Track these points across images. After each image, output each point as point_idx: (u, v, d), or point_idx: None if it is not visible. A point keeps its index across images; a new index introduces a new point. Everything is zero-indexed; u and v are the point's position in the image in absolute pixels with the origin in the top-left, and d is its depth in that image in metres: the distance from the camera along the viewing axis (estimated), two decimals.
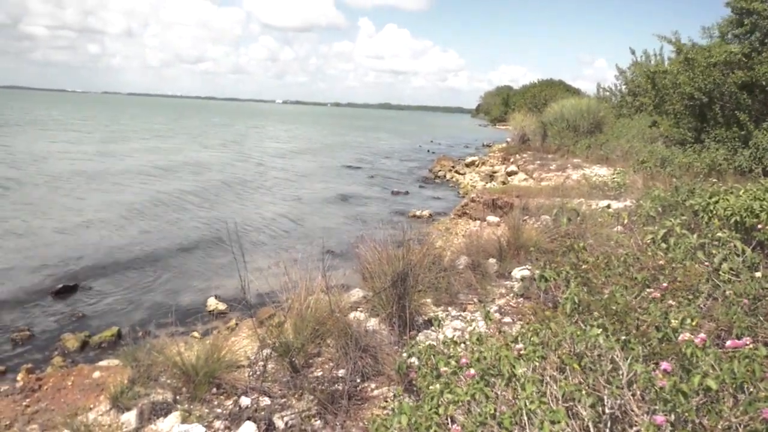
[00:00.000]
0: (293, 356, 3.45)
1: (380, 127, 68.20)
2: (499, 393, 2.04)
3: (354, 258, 5.08)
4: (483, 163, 22.43)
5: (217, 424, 2.99)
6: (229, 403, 3.23)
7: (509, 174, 17.92)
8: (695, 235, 3.72)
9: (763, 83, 10.78)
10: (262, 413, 2.98)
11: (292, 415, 2.98)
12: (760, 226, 3.97)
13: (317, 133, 48.94)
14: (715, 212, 4.37)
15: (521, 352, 2.20)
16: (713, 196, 4.60)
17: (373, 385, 3.29)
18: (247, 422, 2.90)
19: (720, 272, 3.19)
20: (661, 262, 3.47)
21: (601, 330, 2.18)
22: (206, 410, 3.16)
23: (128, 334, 5.58)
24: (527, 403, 1.86)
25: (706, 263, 3.36)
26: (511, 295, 4.67)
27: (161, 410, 3.13)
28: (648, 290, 2.84)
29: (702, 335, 1.93)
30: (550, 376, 2.07)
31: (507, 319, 4.11)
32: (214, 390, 3.34)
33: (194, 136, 34.90)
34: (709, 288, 3.08)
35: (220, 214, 11.83)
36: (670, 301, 2.67)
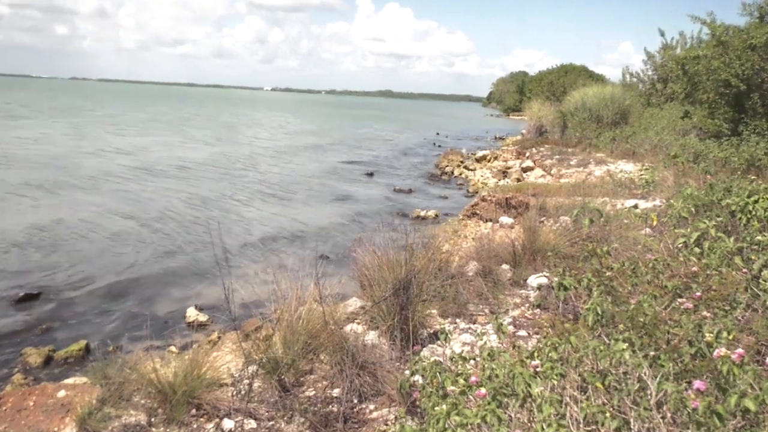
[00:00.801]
0: (282, 373, 3.44)
1: (381, 118, 68.28)
2: (513, 415, 2.03)
3: (351, 264, 5.07)
4: (495, 158, 22.46)
5: None
6: (210, 426, 3.22)
7: (524, 170, 17.94)
8: (732, 239, 3.72)
9: None
10: None
11: None
12: None
13: (310, 123, 49.00)
14: (754, 213, 4.36)
15: (538, 369, 2.20)
16: (752, 195, 4.59)
17: (371, 406, 3.29)
18: None
19: (760, 280, 3.19)
20: (694, 268, 3.47)
21: (627, 345, 2.18)
22: None
23: (98, 348, 5.58)
24: (544, 427, 1.86)
25: (745, 270, 3.35)
26: (527, 305, 4.67)
27: None
28: (679, 300, 2.83)
29: (740, 350, 1.92)
30: (570, 397, 2.07)
31: (522, 333, 4.11)
32: (194, 411, 3.33)
33: (174, 127, 34.95)
34: (747, 298, 3.07)
35: (202, 214, 11.85)
36: (704, 313, 2.67)
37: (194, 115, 49.96)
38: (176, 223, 11.04)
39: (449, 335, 3.29)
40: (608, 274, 3.42)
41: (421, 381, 2.58)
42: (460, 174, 20.07)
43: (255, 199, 13.95)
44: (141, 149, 22.29)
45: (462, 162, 22.41)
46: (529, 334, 4.09)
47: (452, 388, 2.22)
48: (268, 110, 75.66)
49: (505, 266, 5.54)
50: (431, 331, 4.14)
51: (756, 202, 4.45)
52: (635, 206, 5.91)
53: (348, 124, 51.26)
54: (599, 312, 2.72)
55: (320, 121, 54.43)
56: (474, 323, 4.42)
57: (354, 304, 4.69)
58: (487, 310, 4.65)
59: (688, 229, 4.12)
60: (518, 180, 16.38)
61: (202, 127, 36.08)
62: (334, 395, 3.34)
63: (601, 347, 2.21)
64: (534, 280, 5.02)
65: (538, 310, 4.45)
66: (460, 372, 2.40)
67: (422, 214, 12.72)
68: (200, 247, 9.48)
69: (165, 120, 40.75)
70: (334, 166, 21.41)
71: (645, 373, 2.03)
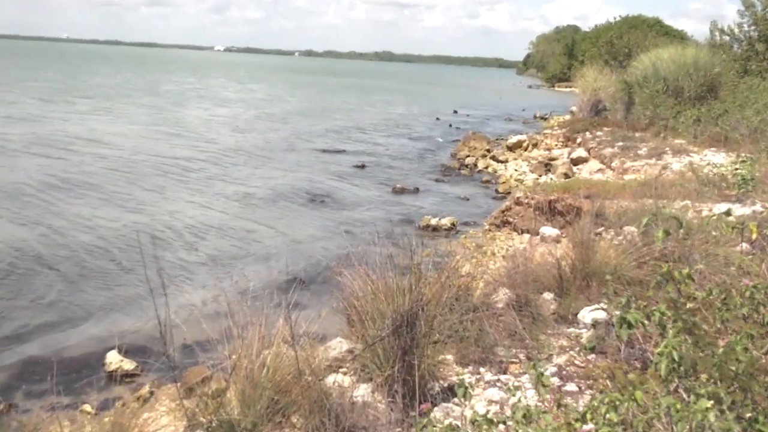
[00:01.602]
0: None
1: (376, 89, 68.56)
2: None
3: (334, 291, 5.09)
4: (534, 146, 22.58)
5: None
6: None
7: (575, 162, 18.04)
8: None
9: None
10: None
11: None
12: None
13: (280, 96, 49.20)
14: None
15: None
16: None
17: None
18: None
19: None
20: None
21: (712, 403, 2.20)
22: None
23: None
24: None
25: None
26: (577, 348, 4.68)
27: None
28: None
29: None
30: None
31: (570, 387, 4.12)
32: None
33: (94, 100, 35.05)
34: None
35: (129, 221, 11.87)
36: None
37: (118, 84, 50.12)
38: (93, 233, 11.05)
39: (470, 390, 3.31)
40: (689, 305, 3.44)
41: None
42: (486, 167, 20.16)
43: (204, 200, 14.00)
44: (44, 132, 22.32)
45: (488, 151, 22.49)
46: (579, 388, 4.10)
47: None
48: (223, 77, 75.90)
49: (547, 295, 5.55)
50: (445, 385, 4.15)
51: None
52: (727, 213, 5.94)
53: (331, 97, 51.47)
54: (676, 358, 2.74)
55: (293, 93, 54.62)
56: (504, 373, 4.43)
57: (339, 346, 4.70)
58: (522, 356, 4.65)
59: None
60: (566, 176, 16.46)
61: (130, 100, 36.18)
62: None
63: (678, 406, 2.23)
64: (587, 314, 5.04)
65: (593, 355, 4.46)
66: None
67: (433, 222, 12.76)
68: (126, 266, 9.48)
69: (78, 90, 40.89)
70: (313, 154, 21.51)
71: None
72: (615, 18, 59.80)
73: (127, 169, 16.59)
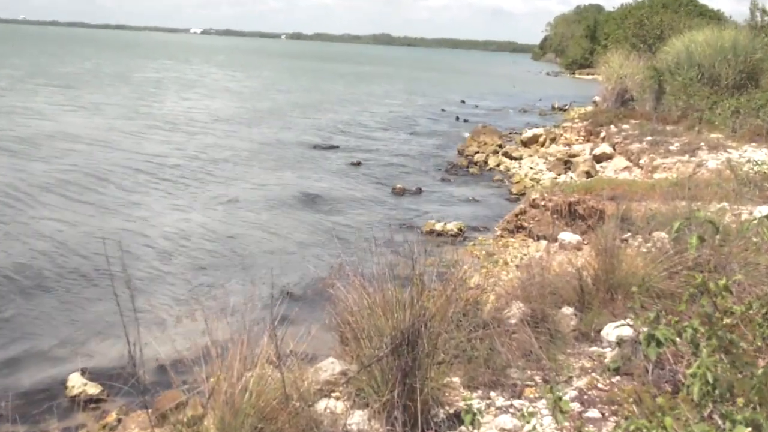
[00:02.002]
0: None
1: (373, 76, 68.69)
2: None
3: (326, 305, 5.09)
4: (553, 140, 22.61)
5: None
6: None
7: (598, 159, 18.06)
8: None
9: None
10: None
11: None
12: None
13: (265, 84, 49.26)
14: None
15: None
16: None
17: None
18: None
19: None
20: None
21: (750, 430, 2.20)
22: None
23: None
24: None
25: None
26: (600, 370, 4.69)
27: None
28: None
29: None
30: None
31: (592, 413, 4.13)
32: None
33: (61, 86, 35.07)
34: None
35: (96, 224, 11.89)
36: None
37: (86, 71, 50.15)
38: (54, 241, 11.06)
39: (479, 417, 3.32)
40: (726, 321, 3.45)
41: None
42: (498, 165, 20.20)
43: (181, 203, 14.01)
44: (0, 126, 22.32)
45: (500, 146, 22.52)
46: (602, 414, 4.10)
47: None
48: (202, 63, 75.96)
49: (566, 309, 5.56)
50: (451, 411, 4.15)
51: None
52: None
53: (323, 86, 51.54)
54: (710, 380, 2.75)
55: (280, 81, 54.68)
56: (518, 398, 4.43)
57: (331, 367, 4.70)
58: (538, 378, 4.66)
59: None
60: (588, 175, 16.49)
61: (100, 90, 36.20)
62: None
63: None
64: (612, 330, 5.05)
65: (618, 377, 4.47)
66: None
67: (438, 227, 12.78)
68: (92, 278, 9.48)
69: (41, 77, 40.90)
70: (302, 151, 21.54)
71: None
72: None
73: (95, 169, 16.61)
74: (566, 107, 38.25)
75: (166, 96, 35.96)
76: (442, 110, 36.67)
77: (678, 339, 3.27)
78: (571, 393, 4.37)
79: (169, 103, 32.40)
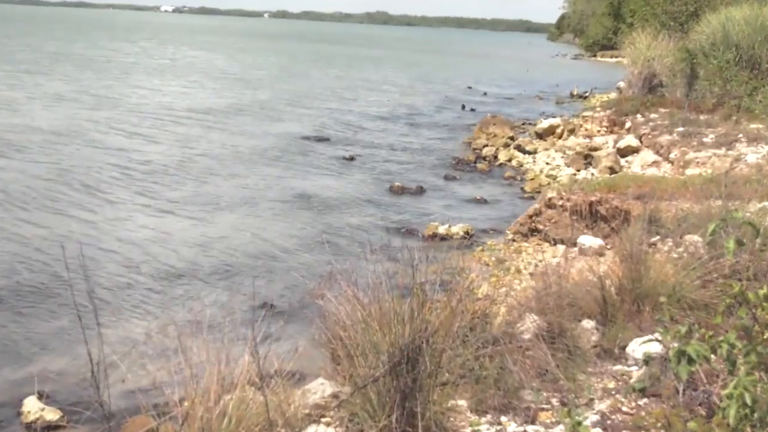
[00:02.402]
0: None
1: (369, 60, 68.62)
2: None
3: (315, 319, 5.10)
4: (571, 132, 22.64)
5: None
6: None
7: (623, 153, 18.08)
8: None
9: None
10: None
11: None
12: None
13: (247, 69, 49.22)
14: None
15: None
16: None
17: None
18: None
19: None
20: None
21: None
22: None
23: None
24: None
25: None
26: (625, 391, 4.69)
27: None
28: None
29: None
30: None
31: None
32: None
33: (18, 72, 34.99)
34: None
35: (55, 228, 11.86)
36: None
37: (47, 55, 50.04)
38: (7, 248, 11.04)
39: None
40: (767, 335, 3.46)
41: None
42: (509, 160, 20.23)
43: (151, 204, 14.01)
44: None
45: (512, 139, 22.53)
46: None
47: None
48: (176, 45, 75.84)
49: (587, 323, 5.56)
50: None
51: None
52: None
53: (311, 70, 51.54)
54: (748, 401, 2.75)
55: (264, 65, 54.67)
56: (533, 423, 4.44)
57: (320, 389, 4.70)
58: (555, 401, 4.66)
59: None
60: (612, 170, 16.52)
61: (62, 75, 36.15)
62: None
63: None
64: (638, 347, 5.05)
65: (645, 399, 4.48)
66: None
67: (442, 230, 12.79)
68: (49, 288, 9.46)
69: None
70: (289, 143, 21.55)
71: None
72: None
73: (55, 165, 16.60)
74: (587, 94, 38.32)
75: (137, 84, 35.90)
76: (446, 97, 36.76)
77: (713, 356, 3.27)
78: (592, 417, 4.38)
79: (140, 92, 32.34)
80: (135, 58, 54.39)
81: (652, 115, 20.25)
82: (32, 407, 6.55)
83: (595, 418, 4.40)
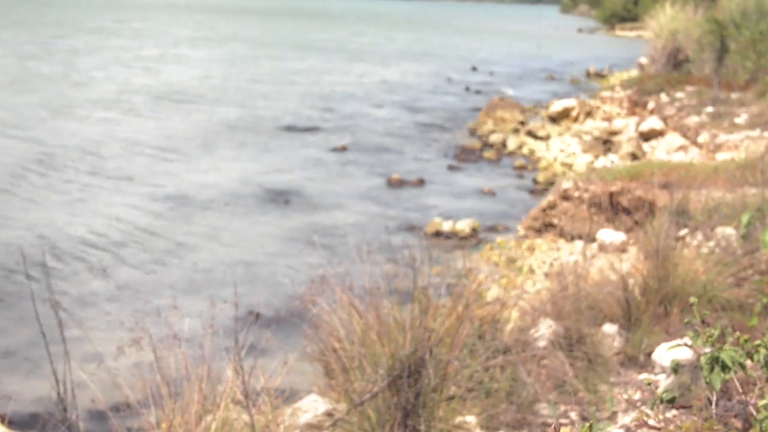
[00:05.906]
0: None
1: (362, 35, 68.51)
2: None
3: (306, 328, 5.09)
4: (588, 114, 22.67)
5: None
6: None
7: (646, 137, 18.10)
8: None
9: None
10: None
11: None
12: None
13: (222, 49, 49.07)
14: None
15: None
16: None
17: None
18: None
19: None
20: None
21: None
22: None
23: None
24: None
25: None
26: (651, 402, 4.70)
27: None
28: None
29: None
30: None
31: None
32: None
33: None
34: None
35: (15, 230, 11.84)
36: None
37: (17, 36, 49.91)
38: None
39: None
40: None
41: None
42: (519, 147, 20.24)
43: (121, 202, 13.99)
44: None
45: (522, 123, 22.56)
46: None
47: None
48: (139, 21, 75.62)
49: (609, 327, 5.56)
50: None
51: None
52: None
53: (296, 51, 51.40)
54: None
55: (241, 45, 54.49)
56: None
57: (313, 407, 4.70)
58: (574, 415, 4.67)
59: None
60: (634, 157, 16.54)
61: (14, 58, 36.09)
62: None
63: None
64: (665, 353, 5.06)
65: (674, 410, 4.48)
66: None
67: (446, 227, 12.80)
68: (8, 299, 9.45)
69: None
70: (273, 133, 21.53)
71: None
72: None
73: (12, 159, 16.56)
74: (605, 72, 38.31)
75: (100, 65, 35.77)
76: (448, 79, 36.70)
77: (748, 362, 3.28)
78: (616, 431, 4.39)
79: (103, 74, 32.26)
80: (92, 39, 54.16)
81: (678, 95, 20.28)
82: None
83: None
